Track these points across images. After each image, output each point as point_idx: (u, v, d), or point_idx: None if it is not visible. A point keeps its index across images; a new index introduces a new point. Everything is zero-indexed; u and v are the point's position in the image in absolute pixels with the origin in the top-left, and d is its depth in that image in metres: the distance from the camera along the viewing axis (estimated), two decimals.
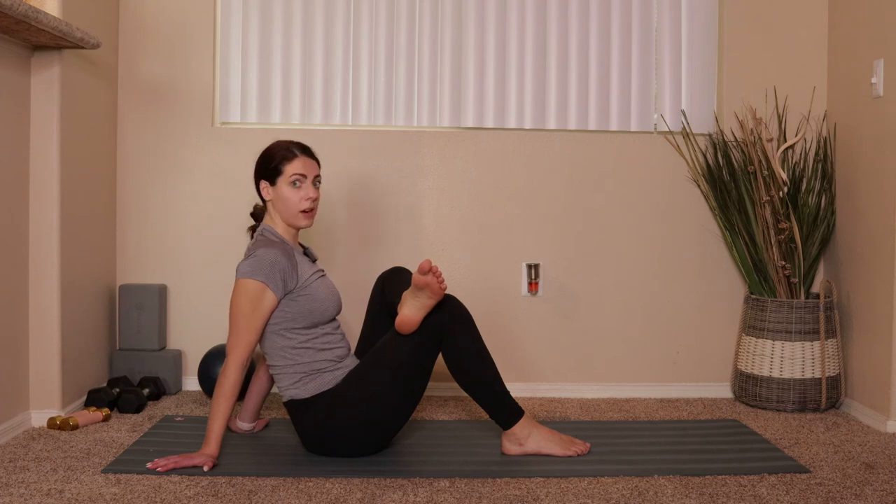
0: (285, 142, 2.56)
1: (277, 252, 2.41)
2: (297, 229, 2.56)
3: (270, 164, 2.51)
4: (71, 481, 2.23)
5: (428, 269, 2.29)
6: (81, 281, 2.97)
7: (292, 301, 2.44)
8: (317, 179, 2.55)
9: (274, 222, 2.54)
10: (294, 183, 2.49)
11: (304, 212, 2.50)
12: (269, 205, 2.55)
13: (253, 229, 2.65)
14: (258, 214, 2.66)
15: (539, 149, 3.36)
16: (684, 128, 3.39)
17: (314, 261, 2.62)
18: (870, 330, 3.02)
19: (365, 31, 3.39)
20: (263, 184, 2.53)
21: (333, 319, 2.56)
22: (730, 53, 3.36)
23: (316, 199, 2.53)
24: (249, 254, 2.44)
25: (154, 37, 3.29)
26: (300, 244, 2.63)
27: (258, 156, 2.57)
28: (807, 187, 3.26)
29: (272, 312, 2.43)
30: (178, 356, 3.27)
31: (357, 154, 3.34)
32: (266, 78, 3.38)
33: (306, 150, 2.56)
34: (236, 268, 2.42)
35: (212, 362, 3.09)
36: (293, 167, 2.49)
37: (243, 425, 2.71)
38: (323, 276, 2.57)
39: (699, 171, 3.37)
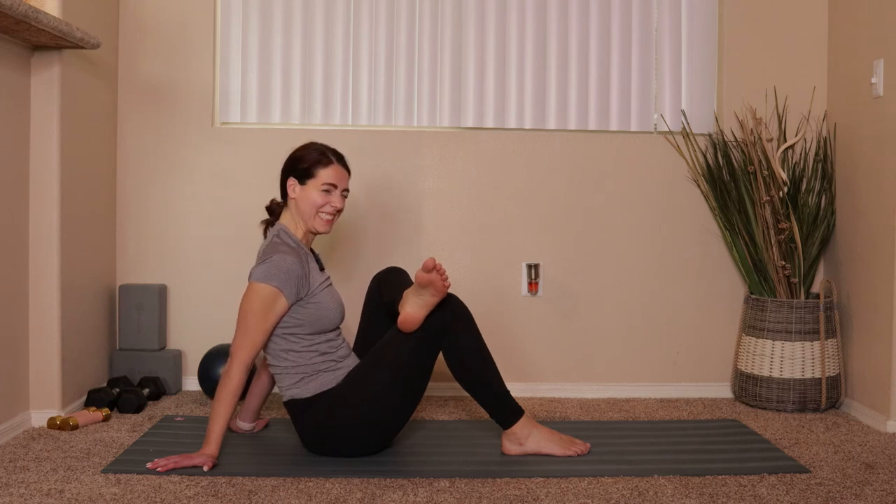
0: (321, 145, 2.54)
1: (293, 259, 2.40)
2: (315, 234, 2.55)
3: (303, 165, 2.49)
4: (71, 481, 2.23)
5: (432, 267, 2.29)
6: (81, 281, 2.97)
7: (300, 308, 2.43)
8: (345, 192, 2.54)
9: (292, 222, 2.53)
10: (325, 190, 2.48)
11: (324, 217, 2.50)
12: (291, 203, 2.52)
13: (266, 223, 2.62)
14: (275, 209, 2.62)
15: (539, 149, 3.36)
16: (684, 128, 3.39)
17: (322, 269, 2.61)
18: (870, 330, 3.02)
19: (365, 31, 3.39)
20: (291, 181, 2.51)
21: (336, 328, 2.56)
22: (730, 53, 3.36)
23: (340, 210, 2.52)
24: (265, 258, 2.41)
25: (154, 37, 3.29)
26: (311, 250, 2.60)
27: (291, 151, 2.54)
28: (807, 187, 3.26)
29: (282, 318, 2.43)
30: (178, 356, 3.27)
31: (357, 154, 3.33)
32: (266, 78, 3.38)
33: (342, 160, 2.54)
34: (250, 271, 2.40)
35: (212, 362, 3.09)
36: (327, 174, 2.48)
37: (243, 425, 2.71)
38: (330, 285, 2.56)
39: (699, 171, 3.37)
